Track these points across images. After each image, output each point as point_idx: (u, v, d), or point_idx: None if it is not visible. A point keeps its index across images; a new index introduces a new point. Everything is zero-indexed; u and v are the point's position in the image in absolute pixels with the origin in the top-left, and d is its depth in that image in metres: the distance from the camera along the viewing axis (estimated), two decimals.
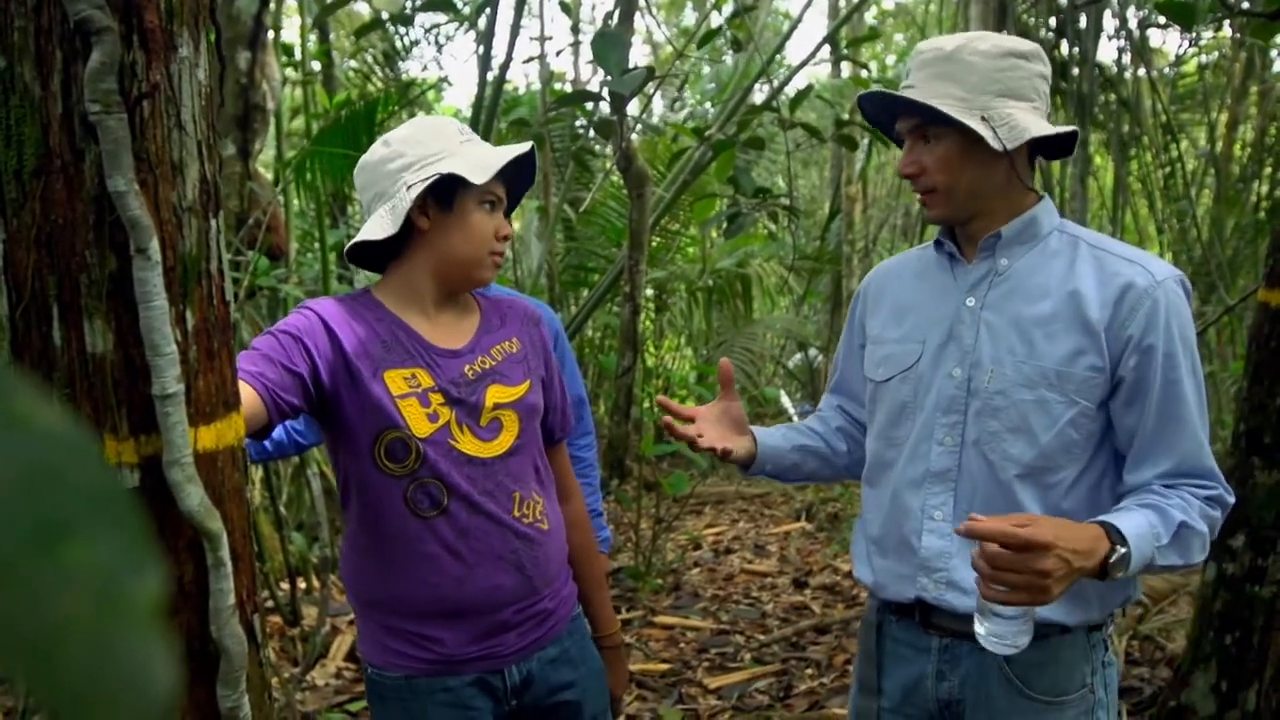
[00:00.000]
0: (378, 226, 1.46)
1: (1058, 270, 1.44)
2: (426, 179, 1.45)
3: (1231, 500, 1.41)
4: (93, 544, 0.22)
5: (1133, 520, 1.32)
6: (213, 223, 1.03)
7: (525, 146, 1.54)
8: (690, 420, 1.60)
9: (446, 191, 1.48)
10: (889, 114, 1.52)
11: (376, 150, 1.53)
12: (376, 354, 1.46)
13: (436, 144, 1.49)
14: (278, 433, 2.24)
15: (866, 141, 7.59)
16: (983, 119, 1.38)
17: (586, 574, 1.72)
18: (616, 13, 3.76)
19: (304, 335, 1.42)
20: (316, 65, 7.03)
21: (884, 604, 1.58)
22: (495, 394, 1.53)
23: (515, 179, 1.59)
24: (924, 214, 1.55)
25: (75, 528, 0.22)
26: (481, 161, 1.48)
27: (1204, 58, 7.67)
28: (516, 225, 8.24)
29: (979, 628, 1.31)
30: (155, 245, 0.94)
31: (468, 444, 1.49)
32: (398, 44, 6.34)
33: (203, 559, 1.02)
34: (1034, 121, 1.40)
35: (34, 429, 0.22)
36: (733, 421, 1.64)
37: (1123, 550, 1.27)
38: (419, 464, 1.45)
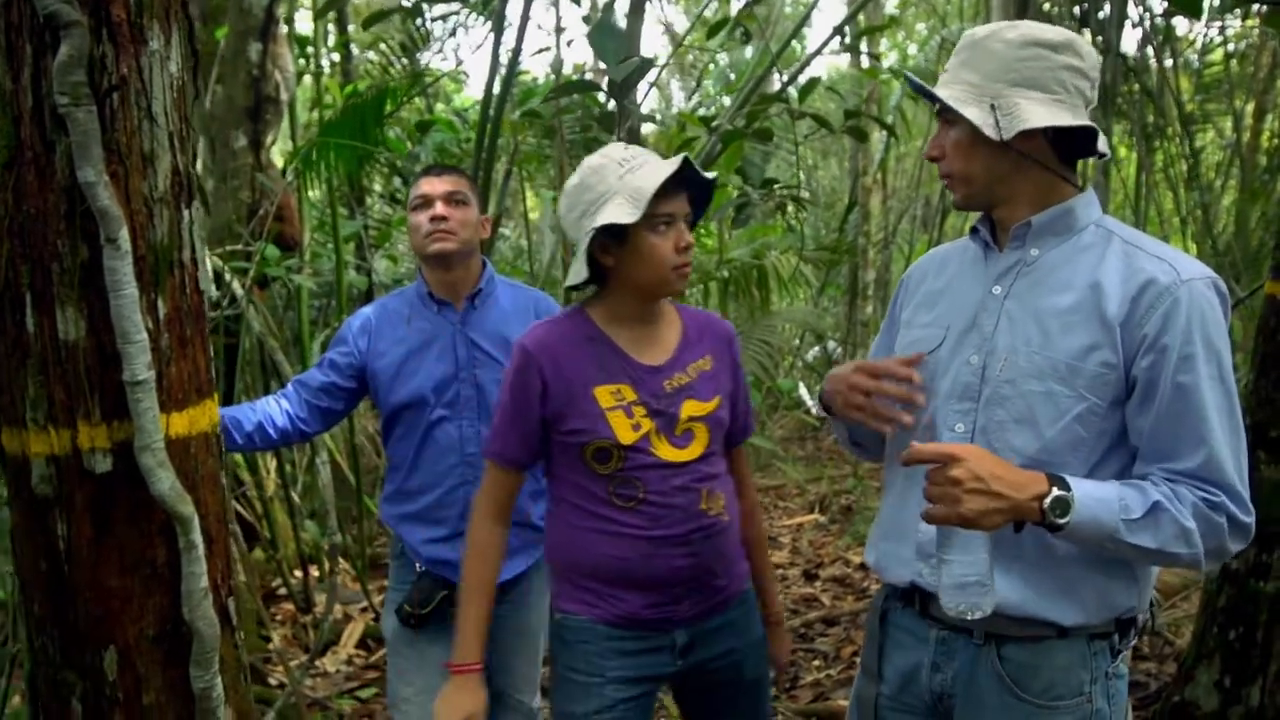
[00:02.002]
0: (576, 270, 1.73)
1: (1086, 264, 1.42)
2: (588, 231, 1.67)
3: (1246, 519, 1.36)
4: None
5: (1096, 485, 1.32)
6: (186, 213, 1.05)
7: (674, 166, 1.68)
8: None
9: (616, 229, 1.67)
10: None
11: (561, 201, 1.79)
12: (590, 373, 1.73)
13: (600, 186, 1.70)
14: (282, 421, 2.28)
15: (885, 133, 7.53)
16: (992, 107, 1.37)
17: (758, 561, 1.97)
18: (627, 2, 3.77)
19: (530, 386, 1.73)
20: (336, 57, 7.08)
21: (890, 590, 1.59)
22: (689, 408, 1.77)
23: (691, 180, 1.75)
24: (950, 201, 1.57)
25: None
26: (635, 194, 1.65)
27: (1230, 47, 7.55)
28: (534, 216, 8.25)
29: (943, 595, 1.34)
30: (125, 235, 0.95)
31: (664, 450, 1.74)
32: (415, 34, 6.36)
33: (175, 542, 1.04)
34: (1038, 112, 1.37)
35: None
36: None
37: (1060, 493, 1.27)
38: (622, 465, 1.72)
